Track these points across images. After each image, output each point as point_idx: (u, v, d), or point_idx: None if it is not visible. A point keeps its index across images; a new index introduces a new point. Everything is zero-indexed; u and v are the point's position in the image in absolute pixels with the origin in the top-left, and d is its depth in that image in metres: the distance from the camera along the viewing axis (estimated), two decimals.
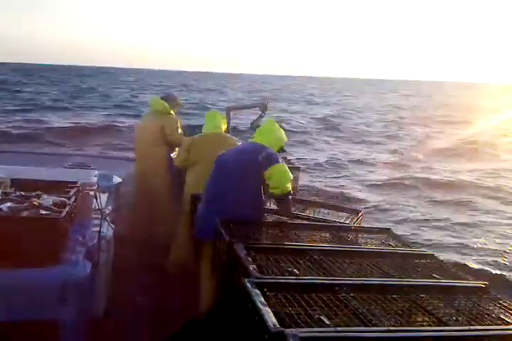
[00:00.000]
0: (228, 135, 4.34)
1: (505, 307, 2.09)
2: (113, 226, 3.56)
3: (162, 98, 4.74)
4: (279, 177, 3.09)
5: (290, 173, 3.15)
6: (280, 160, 3.13)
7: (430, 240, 7.50)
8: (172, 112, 4.72)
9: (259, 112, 5.04)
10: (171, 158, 4.64)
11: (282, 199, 3.20)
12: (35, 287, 2.26)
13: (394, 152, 16.96)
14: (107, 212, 3.56)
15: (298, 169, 4.48)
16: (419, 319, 1.90)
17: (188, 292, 3.58)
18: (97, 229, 3.12)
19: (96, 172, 3.64)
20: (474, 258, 6.96)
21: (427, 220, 8.65)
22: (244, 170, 3.16)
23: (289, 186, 3.13)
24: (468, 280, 2.37)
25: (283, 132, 3.38)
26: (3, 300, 2.21)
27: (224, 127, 4.35)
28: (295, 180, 3.93)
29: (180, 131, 4.67)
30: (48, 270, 2.30)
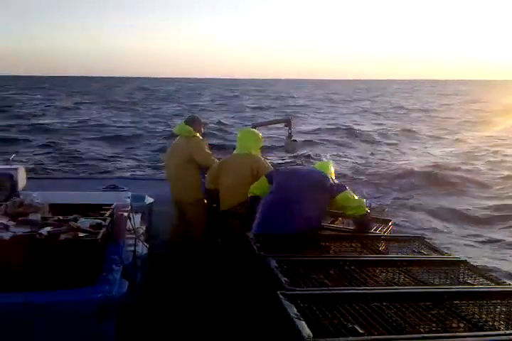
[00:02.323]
0: (259, 156, 4.39)
1: None
2: (147, 245, 3.66)
3: (187, 122, 4.84)
4: (354, 199, 3.33)
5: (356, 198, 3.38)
6: (347, 188, 3.38)
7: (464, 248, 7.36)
8: (198, 135, 4.82)
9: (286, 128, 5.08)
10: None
11: (362, 221, 3.38)
12: (75, 306, 2.33)
13: None
14: (141, 231, 3.66)
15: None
16: (454, 325, 1.90)
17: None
18: (132, 248, 3.22)
19: (129, 193, 3.74)
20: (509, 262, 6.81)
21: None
22: (306, 189, 3.32)
23: (364, 208, 3.35)
24: (503, 284, 2.35)
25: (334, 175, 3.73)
26: (44, 321, 2.30)
27: (259, 146, 4.41)
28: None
29: (208, 151, 4.77)
30: (87, 289, 2.39)
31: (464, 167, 14.45)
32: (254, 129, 4.64)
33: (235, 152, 4.39)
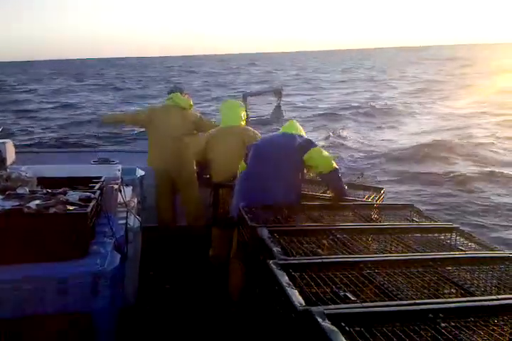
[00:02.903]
0: (247, 127, 4.34)
1: None
2: (139, 218, 3.65)
3: (180, 93, 4.77)
4: (320, 157, 3.26)
5: (328, 153, 3.34)
6: (317, 144, 3.32)
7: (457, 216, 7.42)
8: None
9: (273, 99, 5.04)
10: None
11: (332, 178, 3.32)
12: (67, 279, 2.32)
13: None
14: (132, 204, 3.64)
15: None
16: (446, 291, 1.91)
17: (218, 279, 3.65)
18: (124, 221, 3.20)
19: (119, 166, 3.70)
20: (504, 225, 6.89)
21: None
22: (282, 156, 3.27)
23: (333, 163, 3.29)
24: (495, 250, 2.35)
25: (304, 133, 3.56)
26: (37, 293, 2.29)
27: (244, 117, 4.35)
28: None
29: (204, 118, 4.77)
30: (78, 262, 2.38)
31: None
32: (235, 100, 4.59)
33: (221, 125, 4.33)
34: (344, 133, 14.60)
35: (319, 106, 24.02)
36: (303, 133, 3.50)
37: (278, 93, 4.69)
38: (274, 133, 3.67)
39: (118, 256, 2.68)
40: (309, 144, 3.27)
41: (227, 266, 3.65)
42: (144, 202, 4.11)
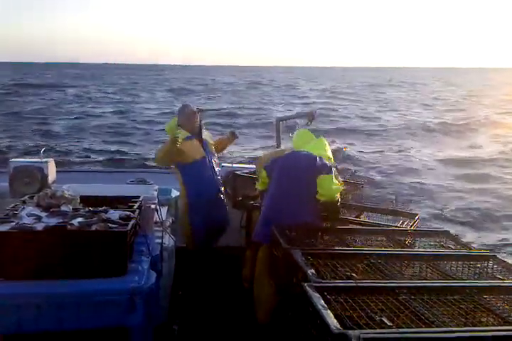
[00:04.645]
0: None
1: None
2: (173, 237, 3.72)
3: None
4: (327, 185, 3.22)
5: (338, 186, 3.29)
6: (332, 172, 3.27)
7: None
8: (175, 132, 4.24)
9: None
10: None
11: (331, 207, 3.32)
12: (106, 296, 2.39)
13: None
14: (168, 224, 3.72)
15: (361, 186, 4.42)
16: (484, 320, 1.88)
17: (248, 299, 3.66)
18: (159, 240, 3.28)
19: (156, 186, 3.80)
20: None
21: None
22: (302, 176, 3.28)
23: (337, 195, 3.27)
24: None
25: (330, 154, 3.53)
26: (76, 309, 2.36)
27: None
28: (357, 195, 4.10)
29: (166, 148, 4.26)
30: (117, 279, 2.44)
31: None
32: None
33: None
34: None
35: None
36: (328, 152, 3.47)
37: (311, 116, 4.71)
38: (298, 152, 3.61)
39: (154, 274, 2.74)
40: (323, 169, 3.24)
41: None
42: (177, 223, 4.18)
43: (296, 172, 3.31)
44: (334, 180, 3.26)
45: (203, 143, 4.38)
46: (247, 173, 4.66)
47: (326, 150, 3.49)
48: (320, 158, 3.33)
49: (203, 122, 4.48)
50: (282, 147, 4.70)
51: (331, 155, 3.50)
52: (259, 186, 3.70)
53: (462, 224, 8.37)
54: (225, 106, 29.48)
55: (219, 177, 4.52)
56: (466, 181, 12.25)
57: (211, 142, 4.55)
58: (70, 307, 2.33)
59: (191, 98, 38.57)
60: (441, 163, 14.70)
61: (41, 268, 2.36)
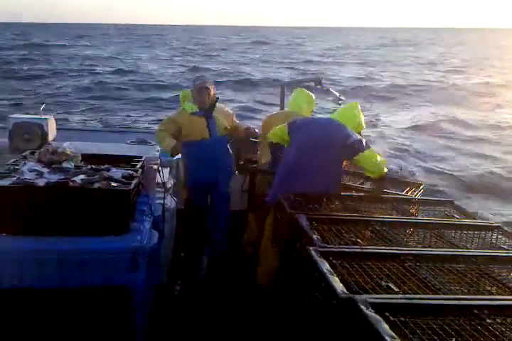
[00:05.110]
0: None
1: None
2: (175, 199, 3.70)
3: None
4: (372, 162, 3.14)
5: (382, 159, 3.19)
6: (369, 146, 3.16)
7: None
8: (182, 104, 4.09)
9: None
10: None
11: (379, 182, 3.26)
12: (108, 254, 2.37)
13: None
14: (170, 185, 3.69)
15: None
16: (489, 288, 1.88)
17: (251, 264, 3.67)
18: (161, 201, 3.25)
19: (158, 147, 3.74)
20: None
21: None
22: (326, 149, 3.16)
23: (385, 169, 3.18)
24: None
25: (363, 119, 3.37)
26: (78, 266, 2.35)
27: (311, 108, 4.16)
28: None
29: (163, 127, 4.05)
30: (119, 238, 2.42)
31: None
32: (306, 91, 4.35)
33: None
34: None
35: None
36: (361, 124, 3.33)
37: (318, 82, 4.60)
38: (324, 118, 3.45)
39: (156, 234, 2.73)
40: (361, 146, 3.10)
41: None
42: (178, 184, 4.15)
43: (325, 143, 3.17)
44: (374, 153, 3.16)
45: (210, 123, 3.97)
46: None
47: (359, 115, 3.34)
48: (352, 134, 3.15)
49: (217, 97, 4.06)
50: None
51: (363, 123, 3.35)
52: (272, 137, 3.50)
53: (469, 194, 8.40)
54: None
55: (229, 160, 4.13)
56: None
57: (224, 122, 4.04)
58: (71, 264, 2.32)
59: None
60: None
61: (43, 224, 2.33)
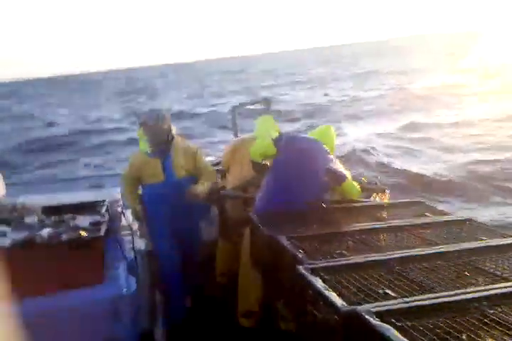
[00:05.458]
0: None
1: None
2: (144, 240, 3.58)
3: None
4: (351, 190, 3.25)
5: (358, 188, 3.29)
6: (346, 178, 3.21)
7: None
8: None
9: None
10: None
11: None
12: (88, 306, 2.25)
13: None
14: (135, 227, 3.57)
15: None
16: (480, 279, 1.90)
17: (232, 293, 3.57)
18: (131, 244, 3.14)
19: (118, 189, 3.64)
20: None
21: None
22: (307, 163, 3.19)
23: (357, 194, 3.29)
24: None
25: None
26: (60, 323, 2.21)
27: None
28: None
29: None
30: (97, 288, 2.31)
31: None
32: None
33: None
34: None
35: None
36: (334, 143, 3.42)
37: (267, 103, 4.67)
38: (303, 136, 3.46)
39: (134, 280, 2.62)
40: (342, 178, 3.20)
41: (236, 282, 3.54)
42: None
43: (311, 153, 3.21)
44: (353, 183, 3.26)
45: (165, 164, 3.60)
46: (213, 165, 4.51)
47: (333, 138, 3.45)
48: (326, 151, 3.22)
49: (174, 132, 3.68)
50: (240, 135, 4.60)
51: (333, 145, 3.44)
52: (256, 157, 3.42)
53: (433, 193, 8.66)
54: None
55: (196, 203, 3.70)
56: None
57: (182, 161, 3.64)
58: (51, 323, 2.18)
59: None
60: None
61: (16, 286, 2.18)
